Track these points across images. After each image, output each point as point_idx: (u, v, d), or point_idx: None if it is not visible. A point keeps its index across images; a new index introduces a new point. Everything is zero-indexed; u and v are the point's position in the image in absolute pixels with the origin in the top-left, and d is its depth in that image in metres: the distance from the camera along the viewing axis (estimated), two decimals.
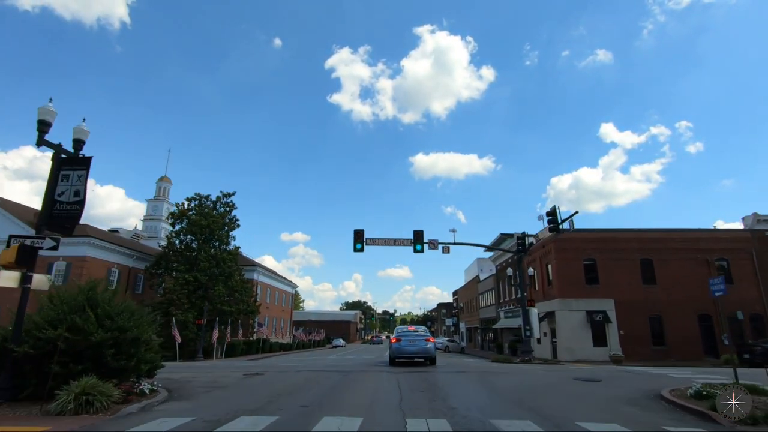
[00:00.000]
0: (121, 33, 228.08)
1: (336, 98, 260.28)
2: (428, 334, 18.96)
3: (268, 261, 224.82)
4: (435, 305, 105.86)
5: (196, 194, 42.10)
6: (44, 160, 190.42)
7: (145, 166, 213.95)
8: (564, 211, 45.07)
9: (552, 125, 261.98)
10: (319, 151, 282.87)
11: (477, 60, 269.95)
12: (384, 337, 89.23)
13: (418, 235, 24.29)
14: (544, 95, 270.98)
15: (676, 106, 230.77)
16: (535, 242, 26.47)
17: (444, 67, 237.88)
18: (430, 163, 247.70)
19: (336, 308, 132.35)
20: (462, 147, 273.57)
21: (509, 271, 35.42)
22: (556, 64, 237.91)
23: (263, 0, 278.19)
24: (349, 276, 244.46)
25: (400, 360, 17.84)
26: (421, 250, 24.12)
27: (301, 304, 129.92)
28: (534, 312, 24.30)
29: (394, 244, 24.49)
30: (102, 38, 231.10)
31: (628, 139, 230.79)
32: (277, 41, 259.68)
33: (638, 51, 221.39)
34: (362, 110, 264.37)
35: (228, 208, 43.56)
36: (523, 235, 25.74)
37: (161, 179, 67.48)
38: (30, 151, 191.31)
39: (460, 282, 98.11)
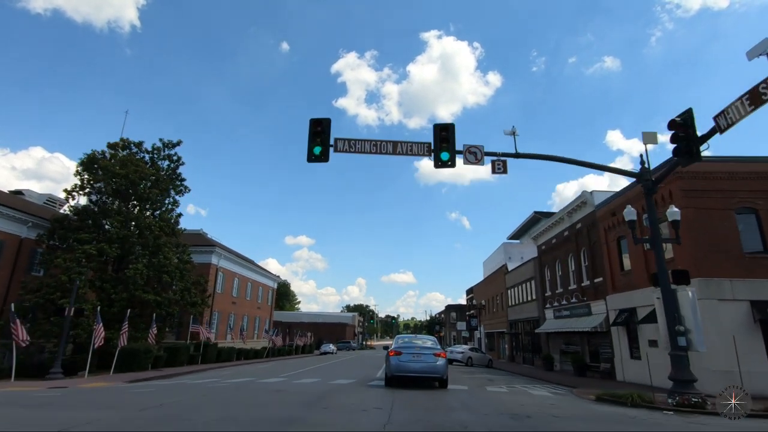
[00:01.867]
0: (131, 36, 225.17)
1: (342, 102, 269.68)
2: (438, 346, 13.95)
3: (272, 265, 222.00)
4: (440, 311, 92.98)
5: (122, 139, 29.87)
6: (52, 161, 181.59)
7: None
8: None
9: (558, 132, 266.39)
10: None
11: (483, 66, 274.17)
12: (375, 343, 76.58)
13: (444, 137, 11.61)
14: (551, 102, 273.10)
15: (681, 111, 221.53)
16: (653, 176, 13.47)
17: (450, 73, 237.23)
18: (436, 168, 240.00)
19: (338, 312, 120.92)
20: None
21: (624, 217, 22.82)
22: (563, 70, 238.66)
23: (272, 4, 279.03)
24: (352, 281, 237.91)
25: (400, 378, 12.77)
26: (449, 162, 11.46)
27: (297, 306, 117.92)
28: (689, 296, 11.51)
29: (395, 153, 11.82)
30: (112, 41, 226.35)
31: (636, 146, 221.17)
32: (285, 45, 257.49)
33: (646, 58, 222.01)
34: (368, 114, 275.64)
35: (171, 163, 31.40)
36: (646, 161, 12.96)
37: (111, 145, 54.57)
38: (39, 152, 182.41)
39: (466, 285, 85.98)
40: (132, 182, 27.23)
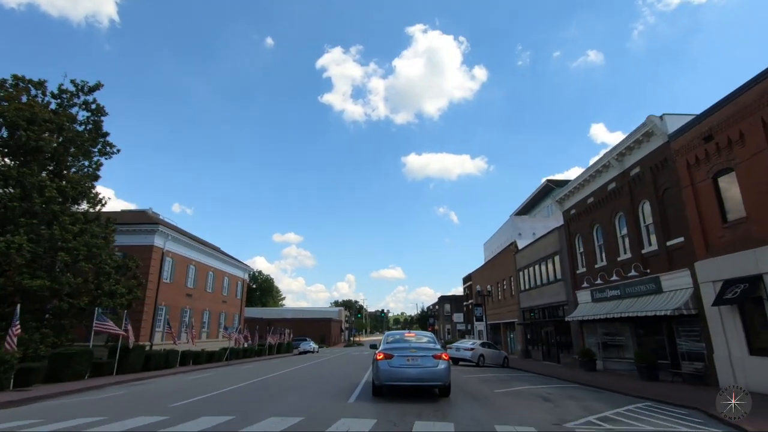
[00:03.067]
0: (110, 31, 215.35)
1: (328, 98, 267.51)
2: (437, 345, 11.21)
3: (259, 263, 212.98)
4: (432, 302, 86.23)
5: (14, 76, 21.99)
6: None
7: (136, 170, 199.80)
8: None
9: (544, 125, 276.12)
10: (311, 151, 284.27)
11: (469, 60, 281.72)
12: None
13: None
14: (536, 95, 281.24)
15: (666, 107, 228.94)
16: None
17: (436, 67, 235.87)
18: (423, 163, 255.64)
19: (326, 307, 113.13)
20: (455, 147, 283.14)
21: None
22: (548, 64, 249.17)
23: (256, 1, 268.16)
24: (342, 277, 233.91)
25: (391, 387, 10.21)
26: None
27: (282, 302, 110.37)
28: None
29: None
30: (90, 36, 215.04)
31: (619, 139, 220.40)
32: (270, 40, 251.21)
33: (629, 52, 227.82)
34: (354, 110, 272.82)
35: (90, 114, 23.79)
36: None
37: None
38: None
39: (455, 279, 79.33)
40: (12, 125, 19.34)
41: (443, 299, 75.47)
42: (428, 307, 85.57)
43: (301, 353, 47.61)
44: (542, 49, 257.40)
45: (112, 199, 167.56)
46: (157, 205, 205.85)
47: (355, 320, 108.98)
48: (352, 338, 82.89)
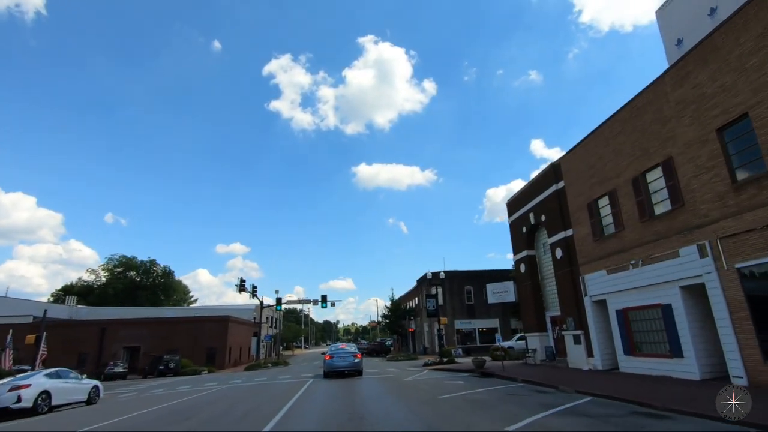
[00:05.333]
0: (36, 25, 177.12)
1: (275, 105, 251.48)
2: (356, 350, 21.65)
3: (202, 275, 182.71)
4: (408, 290, 58.14)
5: None
6: None
7: (63, 171, 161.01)
8: None
9: (489, 139, 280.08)
10: (258, 159, 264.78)
11: (419, 73, 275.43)
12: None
13: None
14: (482, 110, 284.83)
15: (596, 125, 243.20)
16: None
17: (387, 79, 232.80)
18: (373, 173, 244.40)
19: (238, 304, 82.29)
20: (405, 159, 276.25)
21: None
22: (492, 81, 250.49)
23: (203, 2, 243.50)
24: (290, 289, 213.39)
25: (332, 373, 20.00)
26: None
27: (192, 301, 79.87)
28: None
29: None
30: (12, 30, 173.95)
31: (556, 155, 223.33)
32: (217, 44, 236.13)
33: (564, 73, 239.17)
34: (303, 118, 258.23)
35: None
36: None
37: None
38: None
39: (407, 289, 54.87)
40: None
41: (425, 283, 48.30)
42: (402, 298, 57.60)
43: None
44: (487, 67, 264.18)
45: (33, 206, 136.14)
46: (84, 214, 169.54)
47: (290, 326, 79.35)
48: (277, 354, 53.22)
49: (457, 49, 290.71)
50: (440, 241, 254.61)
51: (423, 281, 49.87)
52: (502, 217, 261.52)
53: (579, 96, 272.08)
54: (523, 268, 23.48)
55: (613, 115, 16.12)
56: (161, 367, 33.38)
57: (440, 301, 48.09)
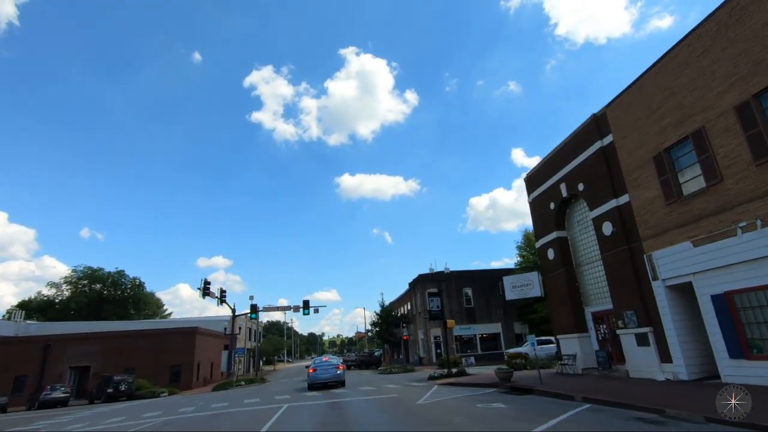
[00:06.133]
0: (9, 36, 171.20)
1: (257, 116, 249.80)
2: (339, 362, 22.51)
3: (184, 290, 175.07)
4: (401, 294, 52.94)
5: None
6: None
7: (36, 185, 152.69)
8: None
9: (471, 149, 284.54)
10: (240, 171, 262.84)
11: (401, 84, 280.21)
12: None
13: None
14: (463, 120, 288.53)
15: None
16: None
17: (369, 90, 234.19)
18: (357, 184, 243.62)
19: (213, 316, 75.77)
20: (388, 169, 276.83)
21: None
22: (473, 92, 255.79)
23: (183, 12, 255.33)
24: (274, 301, 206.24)
25: (316, 385, 20.48)
26: None
27: (165, 315, 73.82)
28: None
29: None
30: None
31: (536, 163, 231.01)
32: (197, 56, 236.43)
33: (542, 85, 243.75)
34: (286, 129, 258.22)
35: None
36: None
37: None
38: None
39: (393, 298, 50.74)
40: None
41: (423, 279, 43.94)
42: (391, 305, 52.45)
43: None
44: (467, 78, 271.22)
45: (5, 222, 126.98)
46: (59, 230, 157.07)
47: (270, 338, 73.30)
48: (257, 369, 47.34)
49: (438, 60, 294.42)
50: (424, 251, 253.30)
51: (417, 284, 45.09)
52: (485, 226, 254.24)
53: (557, 106, 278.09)
54: (551, 254, 18.95)
55: (692, 31, 11.84)
56: (110, 390, 27.72)
57: (438, 304, 43.48)
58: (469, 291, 42.69)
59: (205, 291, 30.67)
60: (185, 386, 33.71)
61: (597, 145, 15.78)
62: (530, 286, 20.13)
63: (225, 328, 36.25)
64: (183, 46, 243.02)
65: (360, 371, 40.46)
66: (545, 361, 22.13)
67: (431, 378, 20.63)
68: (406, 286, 48.14)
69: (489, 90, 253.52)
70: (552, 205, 18.92)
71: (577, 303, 17.76)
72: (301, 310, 33.80)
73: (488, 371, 21.55)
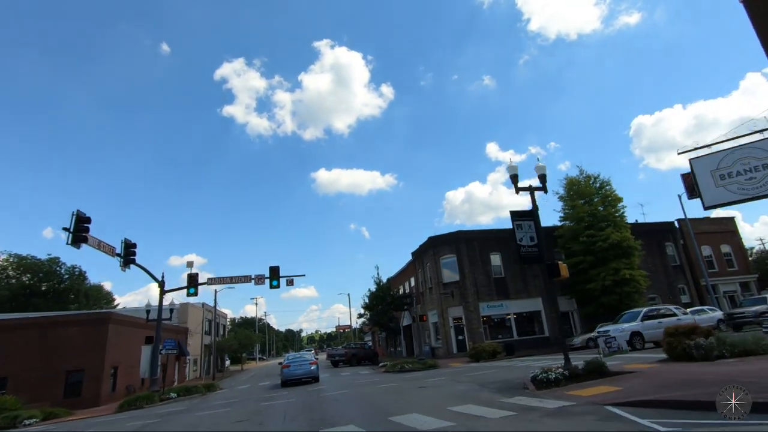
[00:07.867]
0: None
1: (229, 110, 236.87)
2: (313, 358, 22.30)
3: (155, 290, 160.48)
4: (401, 268, 40.48)
5: None
6: None
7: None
8: None
9: (446, 143, 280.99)
10: (212, 167, 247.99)
11: (377, 77, 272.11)
12: None
13: None
14: (439, 114, 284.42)
15: (547, 128, 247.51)
16: None
17: (344, 83, 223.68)
18: (333, 179, 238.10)
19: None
20: (365, 163, 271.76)
21: None
22: (448, 86, 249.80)
23: (150, 1, 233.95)
24: (246, 300, 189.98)
25: (291, 381, 20.27)
26: None
27: (115, 306, 60.82)
28: None
29: None
30: None
31: (510, 157, 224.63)
32: (165, 47, 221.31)
33: (516, 79, 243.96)
34: (259, 123, 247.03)
35: None
36: None
37: None
38: None
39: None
40: None
41: (434, 241, 33.06)
42: (388, 282, 41.09)
43: None
44: (442, 72, 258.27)
45: None
46: (20, 228, 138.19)
47: (237, 332, 61.21)
48: (219, 369, 35.47)
49: (413, 54, 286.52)
50: (402, 245, 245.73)
51: (424, 251, 34.07)
52: (461, 219, 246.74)
53: (530, 100, 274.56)
54: None
55: None
56: None
57: (454, 275, 32.49)
58: (497, 257, 31.98)
59: (128, 259, 19.19)
60: (90, 402, 21.77)
61: None
62: None
63: (147, 312, 24.13)
64: (149, 36, 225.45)
65: (354, 369, 29.37)
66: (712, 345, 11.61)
67: (541, 383, 9.68)
68: (413, 253, 37.06)
69: (464, 84, 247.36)
70: None
71: None
72: (268, 281, 22.34)
73: (664, 365, 10.76)
